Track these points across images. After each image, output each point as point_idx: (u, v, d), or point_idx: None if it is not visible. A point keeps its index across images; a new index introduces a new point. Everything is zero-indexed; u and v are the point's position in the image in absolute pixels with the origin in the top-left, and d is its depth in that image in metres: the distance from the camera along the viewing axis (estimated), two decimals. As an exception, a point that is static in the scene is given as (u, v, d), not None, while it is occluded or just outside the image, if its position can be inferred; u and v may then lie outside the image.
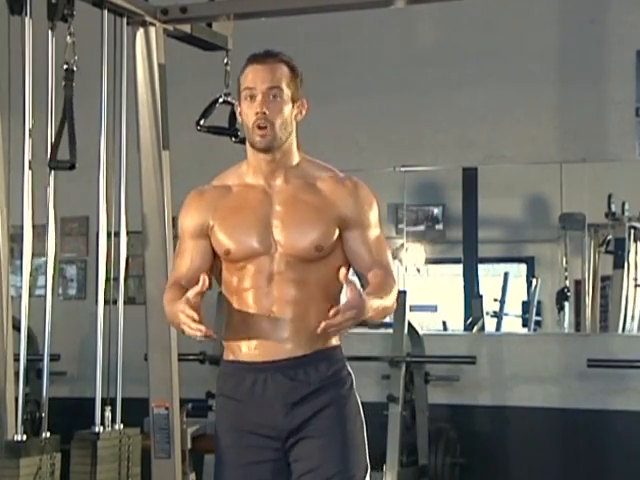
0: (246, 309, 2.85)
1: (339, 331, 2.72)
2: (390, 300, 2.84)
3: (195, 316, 2.70)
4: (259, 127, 2.82)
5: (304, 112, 2.94)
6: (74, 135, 3.56)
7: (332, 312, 2.67)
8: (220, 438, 2.94)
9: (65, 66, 3.63)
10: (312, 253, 2.83)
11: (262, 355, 2.83)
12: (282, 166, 2.89)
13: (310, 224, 2.85)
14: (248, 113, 2.85)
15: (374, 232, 2.91)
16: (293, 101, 2.89)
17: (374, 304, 2.75)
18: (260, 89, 2.84)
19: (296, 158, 2.93)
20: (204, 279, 2.76)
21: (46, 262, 3.71)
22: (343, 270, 2.75)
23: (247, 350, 2.85)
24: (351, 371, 2.93)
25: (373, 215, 2.92)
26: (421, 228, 7.24)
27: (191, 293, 2.74)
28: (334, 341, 2.90)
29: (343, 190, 2.90)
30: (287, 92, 2.87)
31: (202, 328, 2.70)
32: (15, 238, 3.66)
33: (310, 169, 2.93)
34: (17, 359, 3.65)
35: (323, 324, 2.68)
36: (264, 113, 2.82)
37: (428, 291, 7.35)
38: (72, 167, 3.57)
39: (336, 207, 2.87)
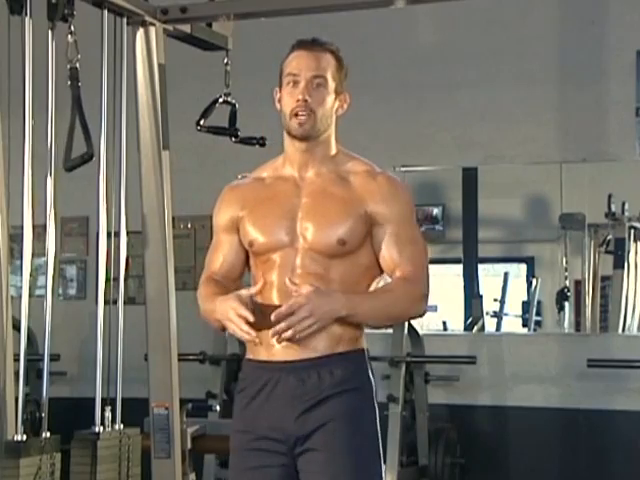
0: (268, 304, 2.72)
1: (299, 334, 2.59)
2: (399, 303, 2.71)
3: (250, 317, 2.61)
4: (297, 114, 2.72)
5: (345, 106, 2.84)
6: (87, 127, 3.55)
7: (273, 316, 2.59)
8: (232, 439, 2.84)
9: (69, 65, 3.62)
10: (335, 248, 2.71)
11: (279, 355, 2.71)
12: (317, 157, 2.78)
13: (334, 217, 2.73)
14: (289, 100, 2.74)
15: (405, 230, 2.77)
16: (336, 93, 2.78)
17: (351, 304, 2.64)
18: (304, 76, 2.73)
19: (333, 150, 2.81)
20: (263, 283, 2.69)
21: (46, 262, 3.71)
22: (287, 281, 2.65)
23: (266, 349, 2.73)
24: (373, 378, 2.79)
25: (406, 212, 2.79)
26: (421, 228, 7.24)
27: (245, 292, 2.66)
28: (358, 344, 2.75)
29: (374, 185, 2.77)
30: (331, 83, 2.77)
31: (252, 332, 2.61)
32: (15, 238, 3.65)
33: (345, 162, 2.81)
34: (17, 359, 3.64)
35: (271, 332, 2.60)
36: (305, 100, 2.71)
37: (428, 291, 7.34)
38: (91, 157, 3.56)
39: (365, 202, 2.74)
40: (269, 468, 2.74)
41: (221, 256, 2.86)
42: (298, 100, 2.72)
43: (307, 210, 2.75)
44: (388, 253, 2.75)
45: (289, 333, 2.59)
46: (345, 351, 2.72)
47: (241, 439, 2.80)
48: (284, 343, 2.67)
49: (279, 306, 2.67)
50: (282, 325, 2.59)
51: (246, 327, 2.61)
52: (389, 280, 2.79)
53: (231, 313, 2.63)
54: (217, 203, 2.92)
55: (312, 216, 2.74)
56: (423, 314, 2.82)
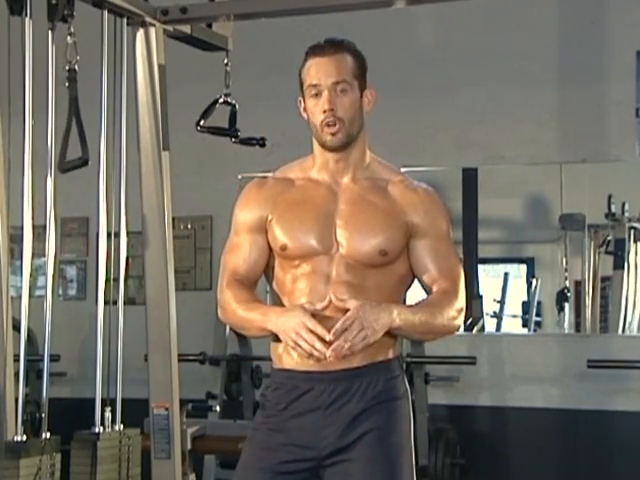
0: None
1: (355, 347, 2.54)
2: (440, 317, 2.66)
3: (329, 337, 2.54)
4: (328, 125, 2.67)
5: (373, 102, 2.76)
6: (83, 132, 3.54)
7: (331, 335, 2.53)
8: (252, 436, 2.76)
9: (67, 66, 3.62)
10: (375, 258, 2.66)
11: (316, 364, 2.63)
12: (351, 163, 2.74)
13: (376, 227, 2.68)
14: (315, 111, 2.69)
15: (444, 243, 2.74)
16: (361, 91, 2.72)
17: (403, 315, 2.59)
18: (325, 84, 2.68)
19: (366, 153, 2.77)
20: (330, 298, 2.60)
21: (46, 263, 3.71)
22: (332, 297, 2.59)
23: (299, 358, 2.66)
24: (407, 385, 2.77)
25: (444, 225, 2.76)
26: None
27: (310, 307, 2.59)
28: (395, 351, 2.72)
29: (414, 196, 2.75)
30: (354, 84, 2.70)
31: (327, 352, 2.54)
32: (15, 239, 3.65)
33: (380, 171, 2.78)
34: (17, 359, 3.64)
35: (328, 352, 2.54)
36: (332, 110, 2.66)
37: (428, 292, 7.34)
38: (86, 163, 3.54)
39: (405, 213, 2.72)
40: (288, 475, 2.67)
41: (246, 255, 2.76)
42: (325, 111, 2.68)
43: (346, 217, 2.70)
44: (427, 267, 2.72)
45: (347, 347, 2.54)
46: (385, 359, 2.70)
47: (264, 439, 2.72)
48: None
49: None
50: (339, 342, 2.54)
51: (320, 345, 2.54)
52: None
53: (299, 326, 2.56)
54: (241, 200, 2.83)
55: (352, 224, 2.69)
56: (459, 328, 2.79)
